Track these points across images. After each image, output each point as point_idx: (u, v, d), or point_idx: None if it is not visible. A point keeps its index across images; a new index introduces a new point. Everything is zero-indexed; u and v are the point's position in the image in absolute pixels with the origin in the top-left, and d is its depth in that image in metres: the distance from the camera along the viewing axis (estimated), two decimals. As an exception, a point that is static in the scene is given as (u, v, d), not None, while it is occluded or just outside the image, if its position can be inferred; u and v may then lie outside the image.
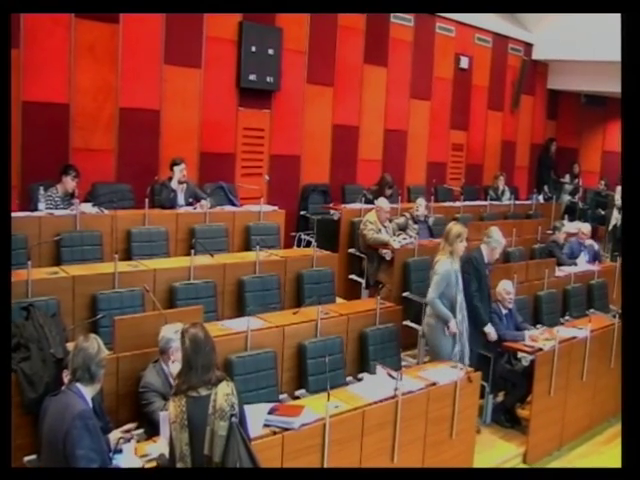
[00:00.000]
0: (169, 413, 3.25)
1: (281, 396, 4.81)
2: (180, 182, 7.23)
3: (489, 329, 5.88)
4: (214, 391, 3.24)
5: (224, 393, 3.23)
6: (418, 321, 6.80)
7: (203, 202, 7.21)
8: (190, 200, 7.29)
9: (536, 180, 13.36)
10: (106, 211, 6.54)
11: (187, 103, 8.10)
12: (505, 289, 6.23)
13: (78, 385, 3.27)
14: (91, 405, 3.28)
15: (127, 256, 6.22)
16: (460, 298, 5.49)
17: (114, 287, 5.29)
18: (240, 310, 5.88)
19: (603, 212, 12.01)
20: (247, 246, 7.16)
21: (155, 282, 5.52)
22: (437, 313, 5.51)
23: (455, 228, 5.63)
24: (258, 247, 6.30)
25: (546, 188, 12.82)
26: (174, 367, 3.87)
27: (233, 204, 7.86)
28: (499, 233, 6.00)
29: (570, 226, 9.30)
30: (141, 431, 3.79)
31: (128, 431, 3.60)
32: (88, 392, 3.30)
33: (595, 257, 8.64)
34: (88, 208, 6.47)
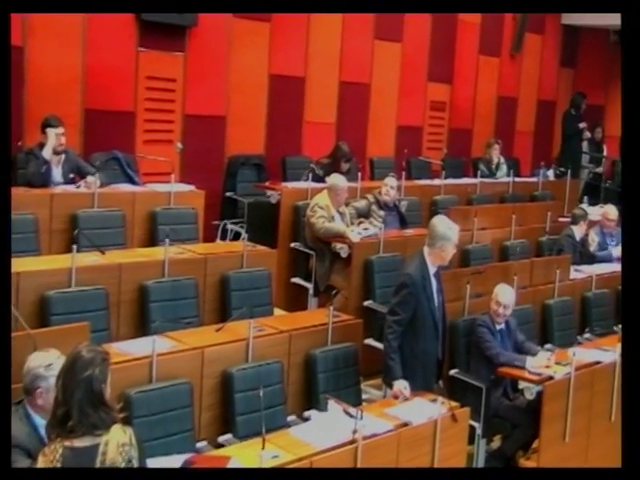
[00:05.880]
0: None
1: (199, 444, 4.85)
2: (56, 151, 7.14)
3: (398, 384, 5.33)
4: (104, 440, 3.20)
5: (118, 443, 3.21)
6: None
7: (89, 179, 7.14)
8: (71, 176, 7.25)
9: (563, 153, 13.00)
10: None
11: (64, 40, 7.98)
12: (496, 294, 6.21)
13: None
14: None
15: (-20, 254, 6.09)
16: None
17: (-40, 298, 5.17)
18: (142, 327, 5.88)
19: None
20: (152, 240, 7.17)
21: (19, 290, 5.40)
22: None
23: None
24: (167, 241, 6.28)
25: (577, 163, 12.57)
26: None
27: (132, 181, 7.84)
28: (446, 223, 5.50)
29: (591, 211, 9.33)
30: None
31: None
32: None
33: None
34: None
